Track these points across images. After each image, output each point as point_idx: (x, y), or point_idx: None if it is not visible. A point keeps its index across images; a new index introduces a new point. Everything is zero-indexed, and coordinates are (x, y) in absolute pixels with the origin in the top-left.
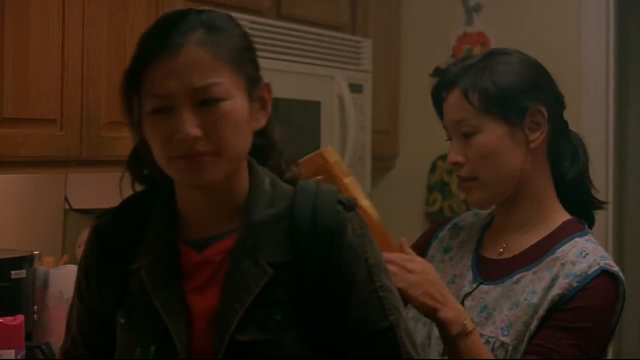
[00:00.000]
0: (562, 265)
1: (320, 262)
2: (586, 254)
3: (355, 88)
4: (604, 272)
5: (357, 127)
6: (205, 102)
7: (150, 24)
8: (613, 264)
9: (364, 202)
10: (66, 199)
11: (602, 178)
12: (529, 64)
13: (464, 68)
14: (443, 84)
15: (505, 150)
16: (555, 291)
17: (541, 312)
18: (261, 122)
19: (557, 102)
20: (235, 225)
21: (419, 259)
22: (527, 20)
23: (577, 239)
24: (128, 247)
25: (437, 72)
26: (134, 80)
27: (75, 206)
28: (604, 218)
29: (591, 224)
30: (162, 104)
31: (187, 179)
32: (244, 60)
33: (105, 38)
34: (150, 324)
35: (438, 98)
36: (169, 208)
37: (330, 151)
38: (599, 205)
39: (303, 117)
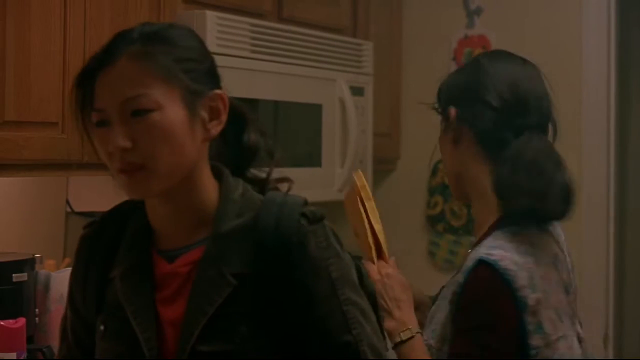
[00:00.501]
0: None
1: (280, 274)
2: (479, 248)
3: (357, 91)
4: (481, 262)
5: (358, 130)
6: (136, 114)
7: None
8: (497, 252)
9: (377, 226)
10: (68, 202)
11: (603, 178)
12: (475, 62)
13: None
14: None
15: (440, 146)
16: (450, 291)
17: (449, 315)
18: (213, 132)
19: (482, 102)
20: (204, 236)
21: (391, 267)
22: (528, 23)
23: (496, 232)
24: (108, 256)
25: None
26: (81, 94)
27: (76, 209)
28: (605, 219)
29: (525, 221)
30: (101, 117)
31: (127, 192)
32: (183, 71)
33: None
34: (124, 331)
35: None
36: (144, 218)
37: (359, 175)
38: (536, 202)
39: (304, 120)
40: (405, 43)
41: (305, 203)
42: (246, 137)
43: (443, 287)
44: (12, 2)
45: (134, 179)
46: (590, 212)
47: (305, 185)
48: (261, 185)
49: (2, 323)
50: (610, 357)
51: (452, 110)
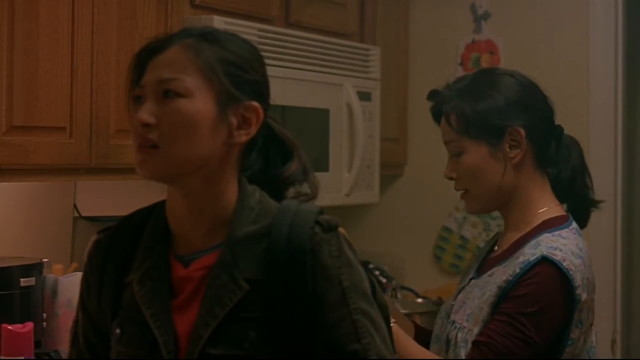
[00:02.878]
0: (517, 258)
1: (292, 281)
2: (538, 245)
3: (364, 96)
4: (545, 259)
5: (365, 135)
6: (167, 95)
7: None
8: (559, 253)
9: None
10: (75, 206)
11: (610, 181)
12: (509, 84)
13: (450, 92)
14: (436, 108)
15: (487, 167)
16: (502, 278)
17: (491, 298)
18: (237, 139)
19: (539, 117)
20: (219, 241)
21: None
22: (536, 28)
23: (545, 234)
24: (124, 260)
25: (430, 95)
26: (132, 73)
27: (84, 214)
28: (612, 219)
29: (582, 221)
30: (139, 93)
31: (138, 170)
32: (226, 73)
33: (115, 46)
34: (141, 335)
35: (436, 119)
36: (162, 223)
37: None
38: (593, 204)
39: (311, 125)
40: (413, 48)
41: (321, 212)
42: (287, 168)
43: (471, 278)
44: (20, 7)
45: (146, 156)
46: (597, 214)
47: None
48: (278, 195)
49: (9, 327)
50: (619, 357)
51: (521, 130)
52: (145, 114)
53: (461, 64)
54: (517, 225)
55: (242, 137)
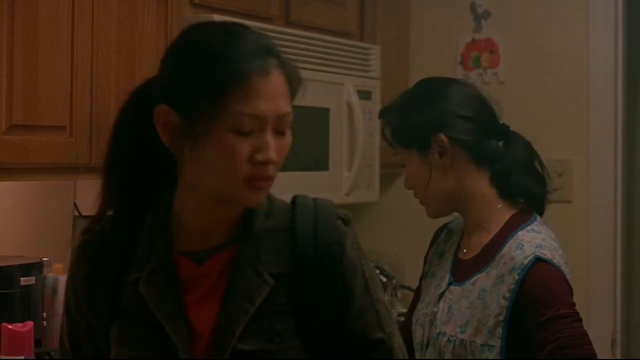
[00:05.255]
0: (505, 263)
1: (321, 272)
2: (522, 246)
3: (364, 95)
4: (538, 260)
5: (365, 133)
6: (279, 130)
7: (211, 38)
8: (546, 252)
9: None
10: (75, 205)
11: (610, 181)
12: (436, 93)
13: (389, 106)
14: (382, 126)
15: (424, 175)
16: (505, 288)
17: (498, 311)
18: None
19: (470, 121)
20: (231, 237)
21: None
22: (536, 27)
23: (519, 233)
24: (119, 261)
25: (379, 115)
26: (212, 96)
27: (84, 213)
28: (612, 219)
29: (540, 210)
30: (251, 125)
31: (254, 199)
32: (292, 95)
33: (115, 46)
34: (150, 337)
35: (383, 135)
36: (161, 221)
37: None
38: (541, 191)
39: (312, 124)
40: (413, 47)
41: (335, 206)
42: None
43: (450, 283)
44: (20, 6)
45: (263, 190)
46: (597, 213)
47: (313, 188)
48: None
49: (10, 326)
50: (619, 357)
51: (443, 137)
52: (273, 152)
53: (461, 62)
54: (479, 225)
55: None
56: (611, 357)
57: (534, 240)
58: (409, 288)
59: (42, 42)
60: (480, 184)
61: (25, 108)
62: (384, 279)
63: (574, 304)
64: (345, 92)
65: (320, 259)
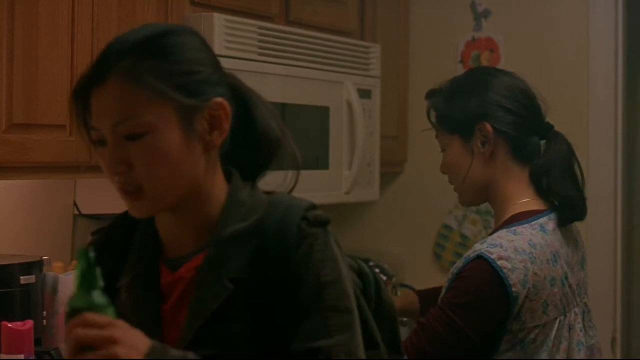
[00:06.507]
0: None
1: (274, 276)
2: (485, 241)
3: (364, 93)
4: (479, 257)
5: (365, 132)
6: (130, 138)
7: None
8: (496, 251)
9: None
10: (75, 204)
11: (610, 179)
12: (488, 82)
13: (438, 90)
14: (427, 106)
15: (462, 162)
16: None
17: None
18: (215, 143)
19: (516, 114)
20: (204, 243)
21: None
22: (536, 25)
23: (503, 230)
24: (116, 265)
25: (426, 94)
26: (77, 109)
27: (84, 211)
28: (612, 218)
29: (567, 217)
30: (98, 136)
31: (132, 210)
32: (177, 87)
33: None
34: None
35: (428, 115)
36: (151, 228)
37: None
38: (577, 201)
39: (311, 123)
40: (413, 46)
41: (312, 207)
42: (256, 134)
43: None
44: (20, 4)
45: (136, 202)
46: (597, 212)
47: (313, 187)
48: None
49: (10, 325)
50: (619, 357)
51: (488, 125)
52: (115, 163)
53: (461, 61)
54: (499, 219)
55: (218, 138)
56: (611, 356)
57: (499, 239)
58: (408, 287)
59: (42, 41)
60: (510, 179)
61: (25, 107)
62: (384, 278)
63: (464, 305)
64: (345, 91)
65: (274, 264)
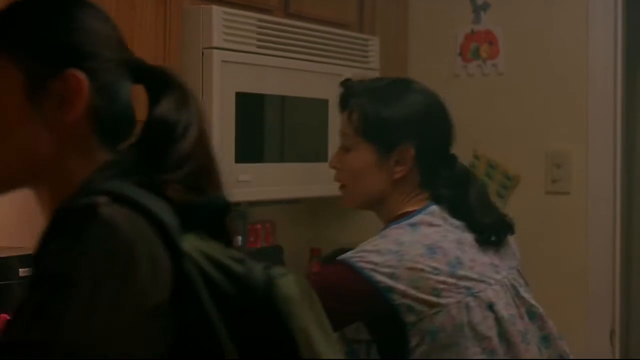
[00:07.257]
0: None
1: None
2: (364, 245)
3: None
4: (340, 262)
5: None
6: None
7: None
8: (354, 255)
9: None
10: None
11: (609, 175)
12: (417, 102)
13: (362, 88)
14: (344, 97)
15: (370, 173)
16: None
17: None
18: (65, 119)
19: (434, 142)
20: None
21: None
22: (535, 19)
23: (393, 227)
24: None
25: (343, 83)
26: None
27: None
28: (611, 210)
29: (492, 238)
30: None
31: None
32: (33, 50)
33: None
34: None
35: (341, 108)
36: None
37: None
38: (494, 220)
39: (311, 115)
40: (412, 38)
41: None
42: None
43: None
44: None
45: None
46: (596, 206)
47: (312, 180)
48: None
49: (7, 318)
50: (617, 353)
51: (412, 149)
52: None
53: (460, 54)
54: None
55: (66, 115)
56: (610, 349)
57: (365, 245)
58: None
59: None
60: (414, 201)
61: None
62: None
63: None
64: None
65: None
